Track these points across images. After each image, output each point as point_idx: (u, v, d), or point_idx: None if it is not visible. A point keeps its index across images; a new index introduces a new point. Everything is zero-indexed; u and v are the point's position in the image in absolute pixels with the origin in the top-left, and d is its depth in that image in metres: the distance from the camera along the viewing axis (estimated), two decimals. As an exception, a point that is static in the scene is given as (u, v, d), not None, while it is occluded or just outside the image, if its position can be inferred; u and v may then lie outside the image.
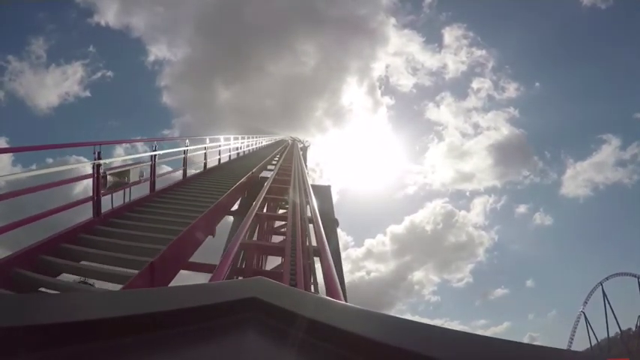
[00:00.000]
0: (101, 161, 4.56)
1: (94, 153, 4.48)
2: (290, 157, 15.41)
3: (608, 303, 33.36)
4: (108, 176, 4.75)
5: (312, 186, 9.02)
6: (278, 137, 27.54)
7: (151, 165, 6.26)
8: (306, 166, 16.46)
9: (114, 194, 5.06)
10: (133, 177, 5.49)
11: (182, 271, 4.80)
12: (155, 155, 6.36)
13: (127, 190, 5.41)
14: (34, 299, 0.69)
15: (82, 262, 3.90)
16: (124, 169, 5.25)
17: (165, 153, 6.93)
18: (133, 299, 0.64)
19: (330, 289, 2.70)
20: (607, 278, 34.29)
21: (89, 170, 4.63)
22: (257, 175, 11.00)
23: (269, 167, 13.98)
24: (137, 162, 5.87)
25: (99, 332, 0.51)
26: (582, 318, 33.72)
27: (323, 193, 12.51)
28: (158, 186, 6.62)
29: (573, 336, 33.58)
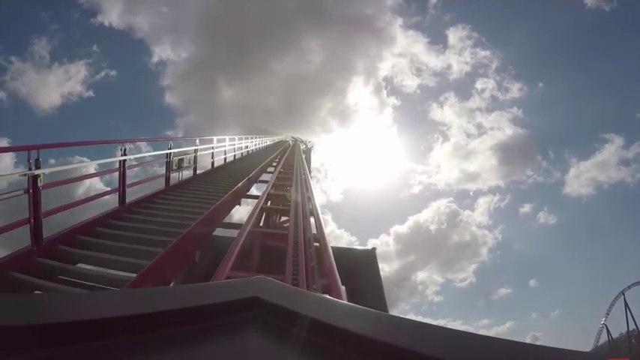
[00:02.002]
0: (39, 172, 3.67)
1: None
2: (289, 165, 11.31)
3: (631, 313, 32.85)
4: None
5: (343, 250, 6.34)
6: (277, 138, 24.17)
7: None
8: (310, 172, 12.97)
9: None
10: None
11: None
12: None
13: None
14: (35, 299, 0.69)
15: None
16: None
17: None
18: (134, 299, 0.65)
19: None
20: (629, 287, 33.78)
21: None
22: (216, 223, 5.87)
23: (261, 177, 10.16)
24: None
25: (101, 332, 0.51)
26: (604, 330, 33.13)
27: (364, 263, 7.33)
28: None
29: (597, 346, 33.27)
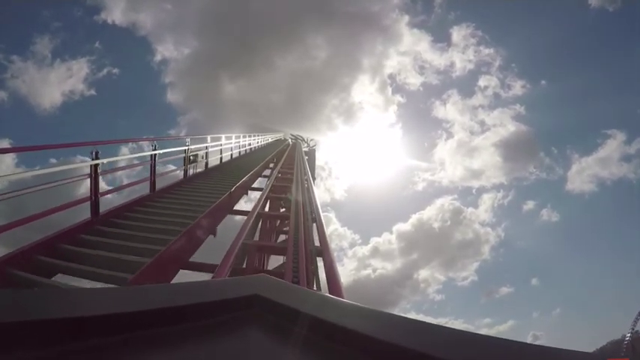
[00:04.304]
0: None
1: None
2: (288, 179, 8.85)
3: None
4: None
5: None
6: (272, 136, 20.98)
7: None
8: (313, 178, 10.63)
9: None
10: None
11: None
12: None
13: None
14: (35, 295, 0.69)
15: None
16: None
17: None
18: (135, 296, 0.65)
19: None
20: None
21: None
22: None
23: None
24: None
25: (102, 328, 0.51)
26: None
27: None
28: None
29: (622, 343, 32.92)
